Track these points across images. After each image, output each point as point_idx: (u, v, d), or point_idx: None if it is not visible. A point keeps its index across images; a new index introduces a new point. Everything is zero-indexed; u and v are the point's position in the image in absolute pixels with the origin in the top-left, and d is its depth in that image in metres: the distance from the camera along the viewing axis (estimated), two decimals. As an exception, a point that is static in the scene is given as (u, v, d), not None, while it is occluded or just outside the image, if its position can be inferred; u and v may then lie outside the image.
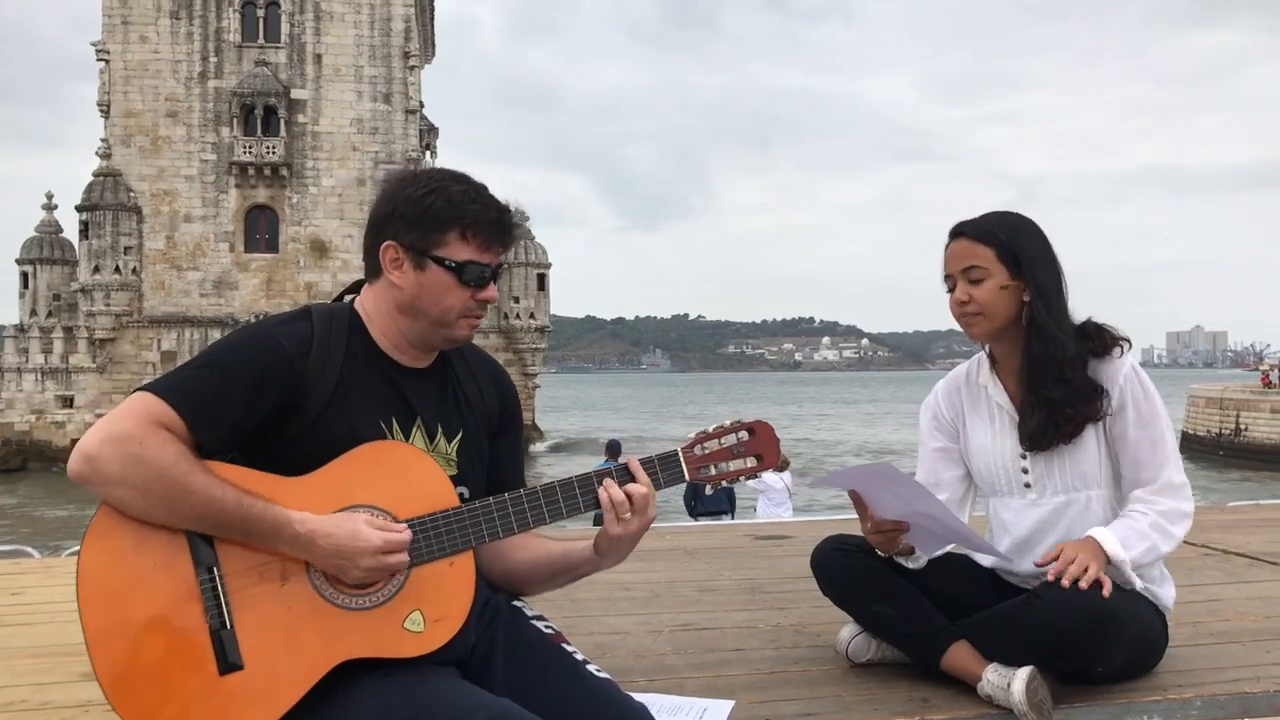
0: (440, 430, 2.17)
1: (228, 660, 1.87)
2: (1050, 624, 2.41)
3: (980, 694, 2.48)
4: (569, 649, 2.22)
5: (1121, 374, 2.60)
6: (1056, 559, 2.45)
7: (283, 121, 43.60)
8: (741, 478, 2.24)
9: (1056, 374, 2.58)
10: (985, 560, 2.78)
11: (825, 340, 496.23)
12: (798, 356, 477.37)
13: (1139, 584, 2.55)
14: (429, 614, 2.00)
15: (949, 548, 2.68)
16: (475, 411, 2.25)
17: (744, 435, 2.22)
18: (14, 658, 2.87)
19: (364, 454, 2.03)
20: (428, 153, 48.66)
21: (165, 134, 43.33)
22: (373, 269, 2.16)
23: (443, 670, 2.02)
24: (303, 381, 2.03)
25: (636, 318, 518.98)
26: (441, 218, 2.08)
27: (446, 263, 2.08)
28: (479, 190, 2.12)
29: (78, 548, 4.75)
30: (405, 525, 1.98)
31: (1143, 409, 2.60)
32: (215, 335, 42.55)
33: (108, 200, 42.25)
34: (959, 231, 2.67)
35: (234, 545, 1.93)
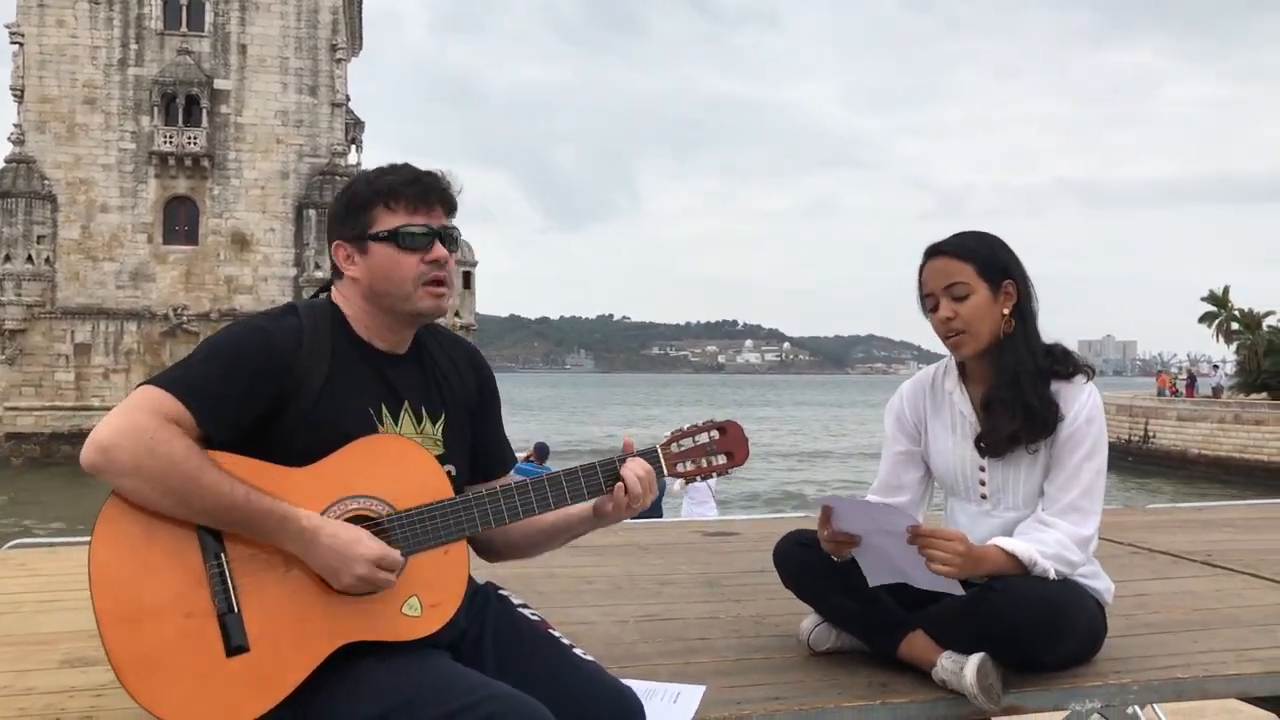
0: (426, 413, 2.26)
1: (234, 643, 1.94)
2: (1003, 615, 2.55)
3: (935, 679, 2.62)
4: (555, 634, 2.33)
5: (1078, 400, 2.70)
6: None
7: (205, 112, 42.74)
8: (715, 474, 2.39)
9: (1020, 384, 2.68)
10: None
11: (748, 343, 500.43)
12: (721, 359, 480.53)
13: (1053, 573, 2.62)
14: (425, 599, 2.09)
15: (897, 579, 2.67)
16: (455, 392, 2.34)
17: (715, 434, 2.36)
18: (-15, 647, 2.86)
19: (364, 446, 2.11)
20: (353, 147, 48.06)
21: (82, 121, 42.21)
22: (335, 272, 2.25)
23: (438, 653, 2.11)
24: (296, 372, 2.10)
25: (561, 318, 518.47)
26: (364, 198, 2.19)
27: (379, 234, 2.17)
28: (394, 165, 2.23)
29: (18, 542, 4.71)
30: (400, 553, 2.06)
31: (1090, 440, 2.69)
32: (131, 328, 41.70)
33: (20, 188, 41.07)
34: (937, 250, 2.75)
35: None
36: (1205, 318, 50.38)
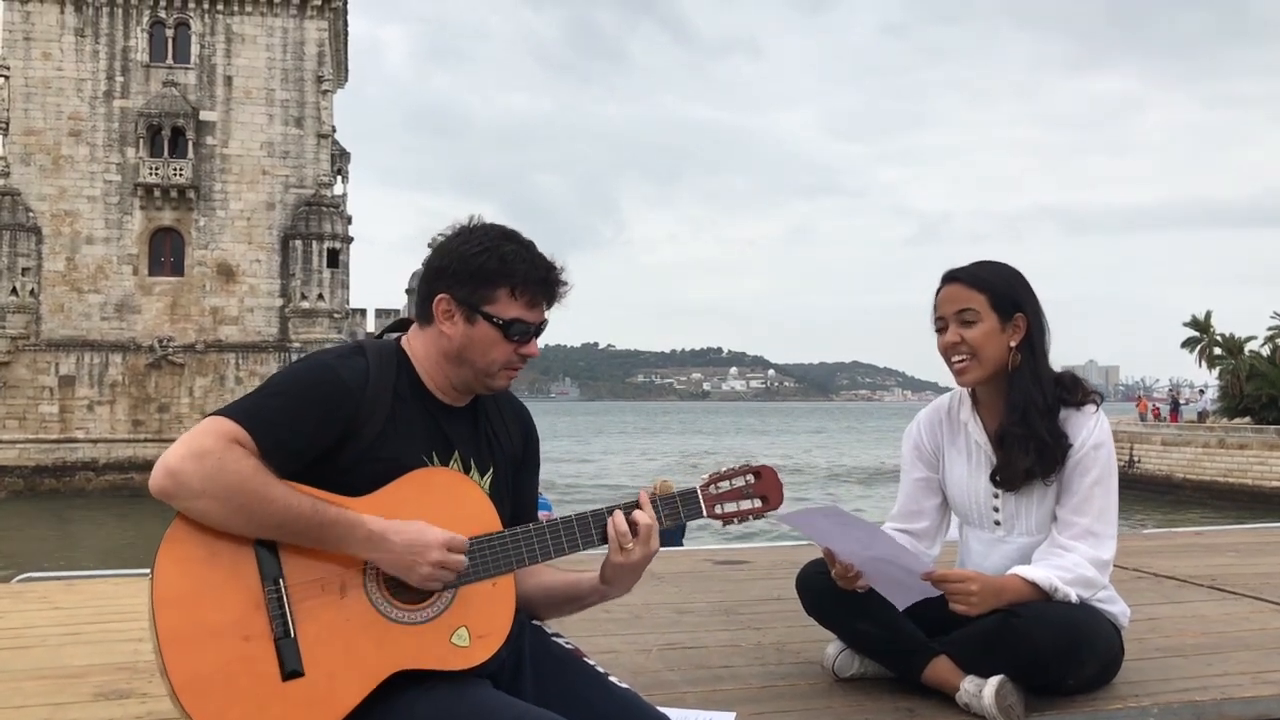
0: (474, 465, 2.31)
1: (289, 667, 1.98)
2: (1027, 639, 2.60)
3: (959, 703, 2.67)
4: (590, 663, 2.37)
5: (1086, 426, 2.77)
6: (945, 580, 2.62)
7: (191, 143, 42.72)
8: (750, 517, 2.44)
9: (1030, 419, 2.75)
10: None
11: (733, 370, 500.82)
12: (706, 386, 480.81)
13: (1074, 596, 2.69)
14: (474, 630, 2.13)
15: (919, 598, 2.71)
16: (503, 447, 2.40)
17: (751, 478, 2.42)
18: (19, 680, 2.88)
19: (417, 479, 2.17)
20: (339, 177, 48.13)
21: (68, 153, 42.16)
22: (424, 316, 2.29)
23: (480, 681, 2.14)
24: (359, 412, 2.15)
25: (546, 346, 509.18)
26: (493, 276, 2.22)
27: (495, 319, 2.22)
28: (528, 249, 2.27)
29: (29, 575, 4.72)
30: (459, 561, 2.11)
31: (1100, 465, 2.76)
32: (117, 360, 41.47)
33: (5, 220, 40.90)
34: (953, 277, 2.83)
35: (298, 558, 2.05)
36: (1188, 343, 50.72)
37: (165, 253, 43.03)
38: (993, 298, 2.78)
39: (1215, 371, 48.25)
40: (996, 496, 2.87)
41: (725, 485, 2.40)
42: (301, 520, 2.01)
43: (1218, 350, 48.14)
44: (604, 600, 2.43)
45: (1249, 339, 47.37)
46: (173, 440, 2.09)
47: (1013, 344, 2.79)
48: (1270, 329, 46.34)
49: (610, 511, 2.30)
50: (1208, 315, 50.35)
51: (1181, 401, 53.69)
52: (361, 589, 2.08)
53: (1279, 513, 29.16)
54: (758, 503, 2.41)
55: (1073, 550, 2.74)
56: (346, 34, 51.83)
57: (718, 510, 2.39)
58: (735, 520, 2.41)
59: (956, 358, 2.80)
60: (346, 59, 52.57)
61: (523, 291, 2.24)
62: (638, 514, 2.29)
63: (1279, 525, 7.40)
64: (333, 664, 2.01)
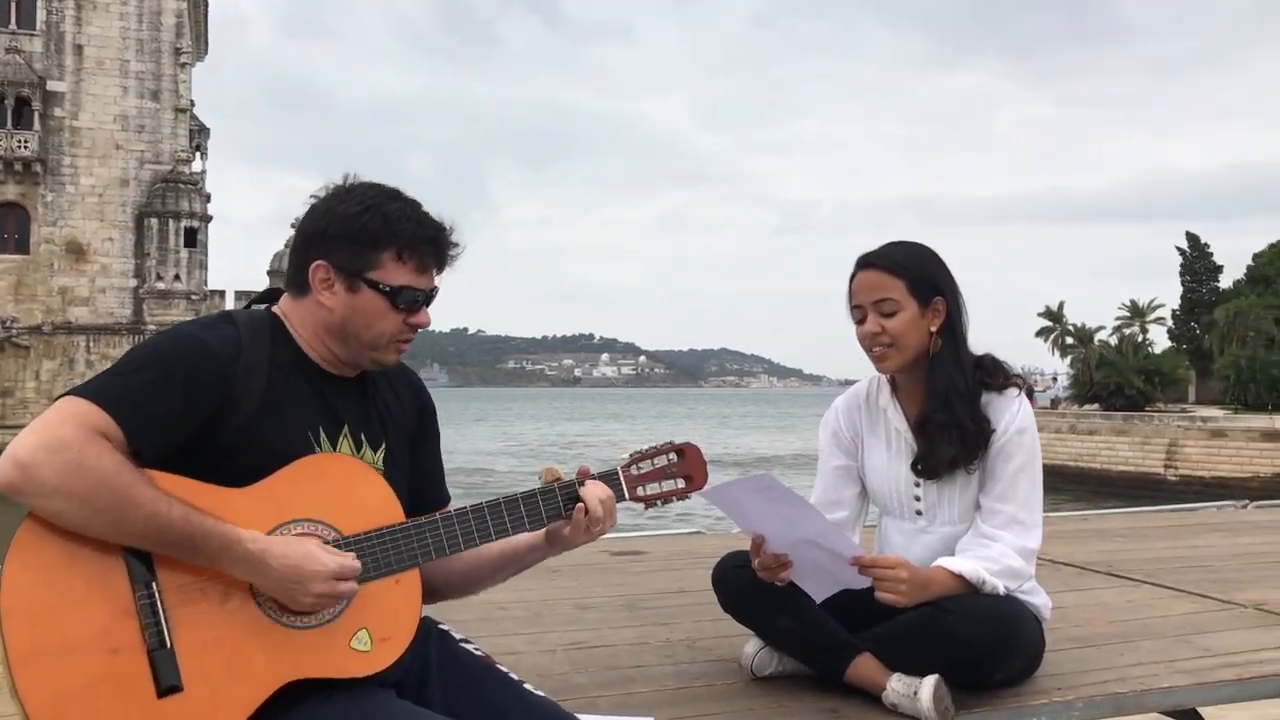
0: (365, 440, 2.09)
1: (166, 682, 1.75)
2: (958, 635, 2.50)
3: (885, 702, 2.55)
4: (503, 670, 2.18)
5: (1009, 410, 2.68)
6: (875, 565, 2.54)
7: (37, 114, 40.45)
8: (674, 499, 2.27)
9: (953, 405, 2.65)
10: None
11: (604, 357, 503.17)
12: (577, 373, 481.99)
13: (1002, 589, 2.61)
14: (376, 633, 1.94)
15: (838, 589, 2.61)
16: (396, 421, 2.19)
17: (674, 457, 2.27)
18: None
19: (309, 466, 1.94)
20: (197, 154, 46.27)
21: (-103, 121, 39.52)
22: (299, 286, 2.05)
23: (384, 692, 1.95)
24: (234, 385, 1.91)
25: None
26: (377, 237, 1.99)
27: (380, 286, 2.00)
28: (415, 207, 2.05)
29: None
30: (355, 554, 1.91)
31: (1024, 450, 2.67)
32: (-46, 342, 39.06)
33: None
34: (868, 262, 2.70)
35: (174, 559, 1.80)
36: (1041, 332, 52.88)
37: (8, 229, 40.74)
38: (910, 283, 2.67)
39: (1067, 360, 50.39)
40: (918, 485, 2.77)
41: (647, 465, 2.24)
42: (171, 530, 1.76)
43: (1069, 340, 50.29)
44: (545, 558, 2.26)
45: (1099, 329, 49.75)
46: (17, 427, 1.81)
47: (933, 329, 2.68)
48: (1118, 319, 48.67)
49: (563, 488, 2.13)
50: (1060, 306, 52.70)
51: (1037, 389, 55.87)
52: (248, 590, 1.85)
53: (1126, 496, 30.60)
54: (681, 483, 2.26)
55: (998, 540, 2.65)
56: (206, 5, 49.80)
57: (640, 492, 2.23)
58: (658, 503, 2.26)
59: (876, 347, 2.69)
60: (206, 31, 50.52)
61: (410, 254, 2.01)
62: (596, 491, 2.13)
63: (1156, 510, 7.63)
64: (216, 676, 1.78)
